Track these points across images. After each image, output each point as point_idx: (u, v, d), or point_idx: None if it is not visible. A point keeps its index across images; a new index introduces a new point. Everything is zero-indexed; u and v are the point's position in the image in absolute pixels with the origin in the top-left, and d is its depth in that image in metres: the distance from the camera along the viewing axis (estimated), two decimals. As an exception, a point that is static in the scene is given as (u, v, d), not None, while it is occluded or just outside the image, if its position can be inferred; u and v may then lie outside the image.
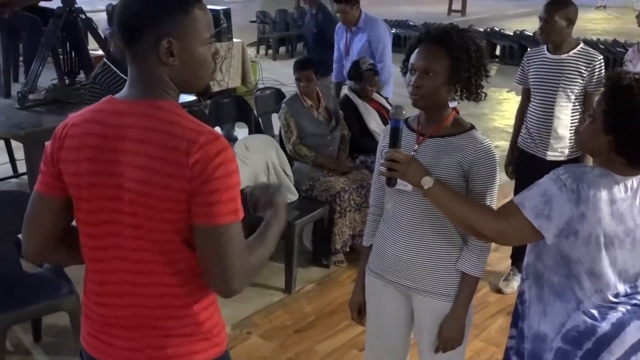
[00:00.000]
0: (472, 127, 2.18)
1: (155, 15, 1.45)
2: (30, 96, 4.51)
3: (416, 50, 2.13)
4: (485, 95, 2.18)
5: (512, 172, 4.14)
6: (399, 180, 2.06)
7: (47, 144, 1.59)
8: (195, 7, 1.48)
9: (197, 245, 1.49)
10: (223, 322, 1.68)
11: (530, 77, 3.83)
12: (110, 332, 1.59)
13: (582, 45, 3.70)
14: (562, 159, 3.71)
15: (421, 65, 2.08)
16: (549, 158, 3.74)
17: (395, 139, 2.07)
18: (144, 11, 1.45)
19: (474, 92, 2.14)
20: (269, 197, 1.72)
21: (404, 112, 2.10)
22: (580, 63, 3.63)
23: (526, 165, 3.86)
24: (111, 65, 3.37)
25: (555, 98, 3.69)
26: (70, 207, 1.59)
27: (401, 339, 2.40)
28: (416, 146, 2.17)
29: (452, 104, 2.18)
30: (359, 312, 2.46)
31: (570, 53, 3.66)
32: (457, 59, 2.06)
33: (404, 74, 2.20)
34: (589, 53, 3.65)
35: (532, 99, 3.85)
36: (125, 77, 3.28)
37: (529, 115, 3.88)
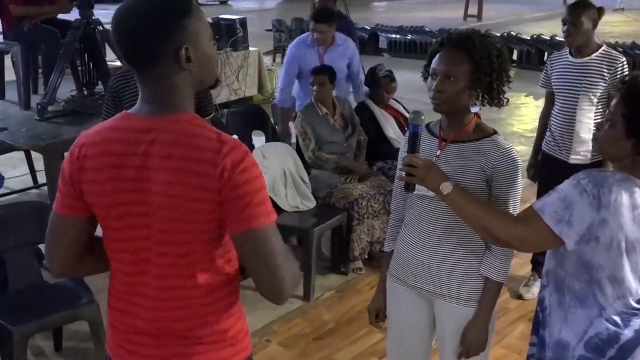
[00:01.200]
0: (495, 132, 2.17)
1: (167, 30, 1.44)
2: (50, 108, 4.57)
3: (438, 55, 2.12)
4: (508, 101, 2.17)
5: (535, 175, 4.11)
6: (419, 186, 2.06)
7: (64, 163, 1.58)
8: (194, 8, 1.49)
9: (241, 256, 1.52)
10: (247, 328, 1.69)
11: (553, 80, 3.81)
12: (135, 340, 1.61)
13: (605, 47, 3.67)
14: (585, 162, 3.68)
15: (443, 70, 2.08)
16: (572, 162, 3.71)
17: (414, 145, 2.06)
18: (155, 30, 1.44)
19: (495, 97, 2.13)
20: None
21: (422, 117, 2.09)
22: (604, 66, 3.60)
23: (549, 169, 3.84)
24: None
25: (578, 102, 3.67)
26: (92, 224, 1.60)
27: (423, 345, 2.39)
28: (439, 152, 2.16)
29: (474, 109, 2.17)
30: (377, 316, 2.46)
31: (593, 56, 3.63)
32: (479, 63, 2.05)
33: (425, 79, 2.19)
34: (612, 56, 3.62)
35: (556, 103, 3.83)
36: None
37: (552, 118, 3.86)
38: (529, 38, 12.22)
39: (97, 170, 1.51)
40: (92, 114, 4.48)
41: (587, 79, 3.62)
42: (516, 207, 2.12)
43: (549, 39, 11.71)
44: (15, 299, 3.15)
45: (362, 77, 5.21)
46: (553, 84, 3.82)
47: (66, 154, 1.62)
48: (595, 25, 3.60)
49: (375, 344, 3.57)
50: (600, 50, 3.63)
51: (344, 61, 5.13)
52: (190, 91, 1.53)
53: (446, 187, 1.97)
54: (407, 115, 4.90)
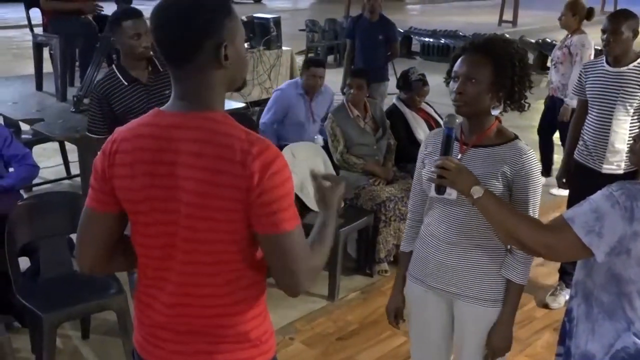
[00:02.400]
0: (516, 137, 2.19)
1: (211, 25, 1.46)
2: (85, 100, 4.64)
3: (460, 59, 2.15)
4: (529, 105, 2.19)
5: (565, 183, 4.07)
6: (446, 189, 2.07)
7: (96, 159, 1.60)
8: (233, 10, 1.52)
9: (264, 253, 1.53)
10: (272, 329, 1.71)
11: (588, 89, 3.77)
12: (160, 335, 1.63)
13: None
14: (618, 172, 3.64)
15: (464, 72, 2.10)
16: (604, 171, 3.67)
17: (447, 147, 2.08)
18: (199, 25, 1.45)
19: (517, 101, 2.14)
20: (326, 193, 1.75)
21: (457, 120, 2.11)
22: None
23: (581, 178, 3.80)
24: (117, 72, 3.39)
25: (613, 111, 3.63)
26: (122, 220, 1.62)
27: (444, 344, 2.42)
28: (460, 155, 2.17)
29: (494, 112, 2.18)
30: (395, 316, 2.48)
31: (631, 66, 3.59)
32: (501, 66, 2.08)
33: (448, 83, 2.21)
34: None
35: (589, 111, 3.78)
36: (125, 83, 3.30)
37: (586, 127, 3.81)
38: (563, 45, 12.07)
39: (128, 165, 1.52)
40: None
41: (624, 88, 3.58)
42: (535, 212, 2.14)
43: (584, 46, 11.55)
44: (46, 287, 3.22)
45: None
46: (587, 92, 3.77)
47: (96, 158, 1.64)
48: (635, 35, 3.56)
49: (398, 346, 3.57)
50: (638, 60, 3.59)
51: (325, 107, 5.21)
52: (222, 90, 1.54)
53: (477, 191, 1.97)
54: (437, 118, 4.89)
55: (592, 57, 5.46)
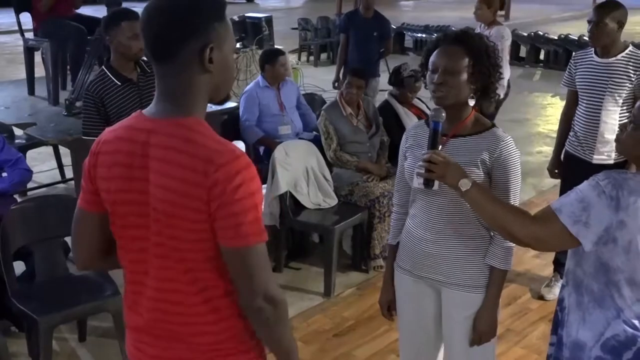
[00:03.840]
0: (493, 125, 2.23)
1: (198, 24, 1.44)
2: (77, 103, 4.65)
3: (437, 51, 2.19)
4: (499, 96, 2.25)
5: (557, 174, 4.09)
6: (418, 178, 2.12)
7: (86, 159, 1.62)
8: (225, 16, 1.51)
9: (226, 264, 1.50)
10: (256, 341, 1.63)
11: (577, 80, 3.78)
12: (142, 339, 1.64)
13: (631, 48, 3.63)
14: (608, 162, 3.65)
15: (443, 63, 2.14)
16: (595, 161, 3.69)
17: (434, 141, 2.11)
18: (187, 23, 1.44)
19: (492, 90, 2.20)
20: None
21: (443, 114, 2.13)
22: (630, 66, 3.56)
23: (572, 168, 3.82)
24: (108, 73, 3.40)
25: (602, 102, 3.64)
26: (107, 223, 1.62)
27: (434, 332, 2.44)
28: (440, 147, 2.19)
29: (470, 103, 2.23)
30: (388, 309, 2.52)
31: (619, 56, 3.59)
32: (477, 57, 2.14)
33: (423, 76, 2.26)
34: (638, 56, 3.58)
35: (579, 102, 3.80)
36: (119, 83, 3.31)
37: (576, 118, 3.83)
38: (556, 37, 12.11)
39: (107, 166, 1.53)
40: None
41: (613, 79, 3.59)
42: (516, 198, 2.18)
43: (576, 38, 11.60)
44: (41, 289, 3.23)
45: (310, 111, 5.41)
46: (577, 83, 3.79)
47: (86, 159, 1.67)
48: (620, 25, 3.56)
49: (394, 341, 3.57)
50: (627, 51, 3.60)
51: (294, 96, 5.29)
52: (204, 95, 1.51)
53: (465, 184, 1.99)
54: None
55: (509, 48, 5.62)
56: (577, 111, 3.83)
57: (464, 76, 2.13)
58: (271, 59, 5.14)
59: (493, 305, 2.27)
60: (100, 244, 1.66)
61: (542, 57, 12.35)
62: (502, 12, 18.78)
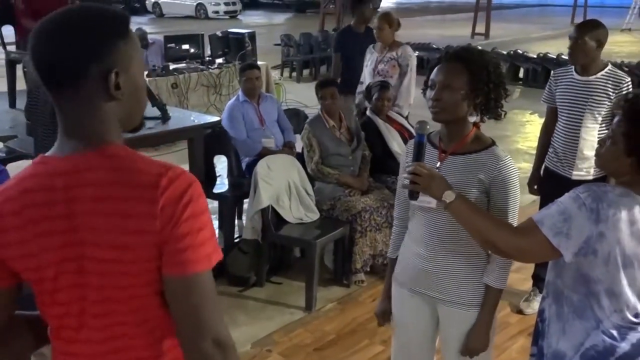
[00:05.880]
0: (493, 143, 2.22)
1: (99, 47, 1.24)
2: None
3: (436, 68, 2.19)
4: (505, 113, 2.22)
5: (536, 190, 4.14)
6: (422, 196, 2.11)
7: None
8: (130, 33, 1.31)
9: (167, 299, 1.30)
10: None
11: (557, 97, 3.83)
12: None
13: (610, 67, 3.68)
14: (588, 178, 3.69)
15: (441, 80, 2.14)
16: (574, 177, 3.73)
17: (418, 153, 2.12)
18: (85, 45, 1.23)
19: (493, 108, 2.18)
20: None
21: (428, 126, 2.15)
22: (609, 85, 3.61)
23: (551, 184, 3.86)
24: None
25: (582, 119, 3.68)
26: (10, 296, 1.38)
27: (427, 347, 2.46)
28: (439, 163, 2.20)
29: (472, 119, 2.22)
30: (383, 317, 2.53)
31: (598, 75, 3.65)
32: (476, 74, 2.12)
33: (425, 93, 2.24)
34: (617, 75, 3.64)
35: (559, 119, 3.85)
36: None
37: (555, 134, 3.88)
38: (535, 56, 12.28)
39: (18, 228, 1.28)
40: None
41: (592, 97, 3.65)
42: (514, 218, 2.18)
43: (555, 57, 11.75)
44: None
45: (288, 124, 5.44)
46: (557, 100, 3.84)
47: None
48: (599, 44, 3.62)
49: (376, 355, 3.58)
50: (606, 70, 3.65)
51: (274, 112, 5.31)
52: (115, 124, 1.31)
53: (448, 196, 2.01)
54: (411, 129, 4.94)
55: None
56: (556, 127, 3.88)
57: (461, 93, 2.11)
58: (241, 73, 5.22)
59: (486, 323, 2.26)
60: None
61: (521, 75, 12.49)
62: (483, 31, 19.13)
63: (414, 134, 2.17)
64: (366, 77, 5.68)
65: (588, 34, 3.58)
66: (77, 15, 1.26)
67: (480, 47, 2.25)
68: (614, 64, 3.93)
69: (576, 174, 3.75)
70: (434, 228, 2.23)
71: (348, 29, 6.69)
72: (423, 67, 13.34)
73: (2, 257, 1.30)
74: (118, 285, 1.29)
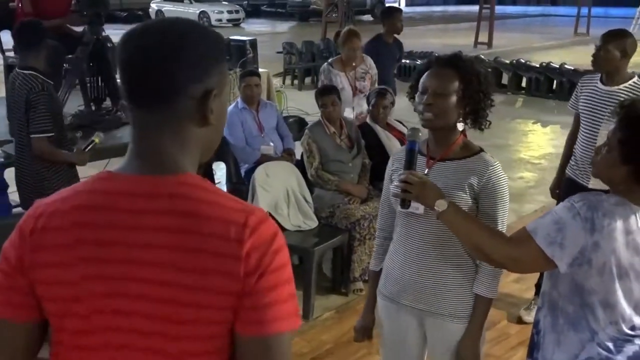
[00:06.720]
0: (481, 150, 2.21)
1: (204, 66, 1.12)
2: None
3: (427, 73, 2.17)
4: (490, 123, 2.20)
5: (557, 194, 4.12)
6: (412, 203, 2.07)
7: (8, 243, 1.15)
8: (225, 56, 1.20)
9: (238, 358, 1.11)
10: None
11: (580, 104, 3.81)
12: None
13: (636, 79, 3.62)
14: (604, 188, 3.65)
15: (433, 85, 2.11)
16: (590, 186, 3.68)
17: (410, 161, 2.09)
18: (190, 62, 1.10)
19: (481, 117, 2.16)
20: None
21: (420, 134, 2.13)
22: (631, 97, 3.56)
23: (569, 192, 3.81)
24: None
25: (600, 129, 3.63)
26: (40, 334, 1.17)
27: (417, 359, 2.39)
28: (426, 170, 2.18)
29: (459, 127, 2.21)
30: (362, 335, 2.47)
31: (622, 86, 3.59)
32: (469, 81, 2.10)
33: (411, 98, 2.23)
34: None
35: (580, 127, 3.82)
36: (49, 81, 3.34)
37: (577, 142, 3.86)
38: (538, 65, 12.25)
39: (64, 247, 1.10)
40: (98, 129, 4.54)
41: (613, 108, 3.60)
42: (503, 224, 2.16)
43: (557, 66, 11.73)
44: None
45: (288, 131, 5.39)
46: (580, 107, 3.82)
47: (5, 244, 1.16)
48: (624, 55, 3.56)
49: (373, 365, 3.55)
50: (631, 81, 3.59)
51: (273, 119, 5.26)
52: (196, 154, 1.17)
53: (441, 205, 1.98)
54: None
55: None
56: (579, 135, 3.85)
57: (453, 99, 2.10)
58: (241, 79, 5.21)
59: (476, 334, 2.22)
60: None
61: (524, 84, 12.46)
62: (486, 40, 19.14)
63: (406, 139, 2.14)
64: (346, 104, 5.39)
65: (612, 43, 3.54)
66: (180, 30, 1.13)
67: (468, 55, 2.23)
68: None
69: (592, 184, 3.71)
70: (422, 236, 2.19)
71: (378, 39, 6.64)
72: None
73: (33, 280, 1.11)
74: (169, 335, 1.08)
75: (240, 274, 1.06)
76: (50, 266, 1.10)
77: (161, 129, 1.12)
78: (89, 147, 3.75)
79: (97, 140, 3.76)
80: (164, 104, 1.10)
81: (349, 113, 5.39)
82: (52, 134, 3.57)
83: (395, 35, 6.67)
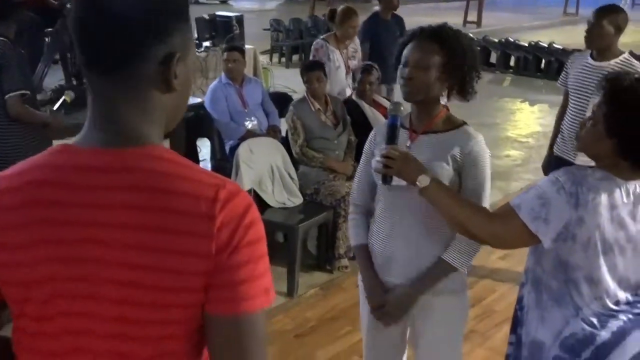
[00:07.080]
0: (464, 123, 2.17)
1: (163, 26, 1.02)
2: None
3: (410, 45, 2.11)
4: (476, 93, 2.15)
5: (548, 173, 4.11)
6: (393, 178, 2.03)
7: None
8: (189, 15, 1.11)
9: (208, 341, 1.05)
10: None
11: (570, 80, 3.80)
12: None
13: (626, 55, 3.61)
14: (592, 164, 3.63)
15: (415, 58, 2.06)
16: (578, 162, 3.67)
17: (392, 136, 2.04)
18: (148, 22, 1.01)
19: (466, 90, 2.12)
20: None
21: (402, 108, 2.08)
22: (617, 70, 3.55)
23: (556, 167, 3.81)
24: None
25: (589, 104, 3.61)
26: None
27: (399, 337, 2.35)
28: (409, 142, 2.13)
29: (443, 101, 2.16)
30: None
31: (612, 62, 3.58)
32: (452, 54, 2.05)
33: (395, 69, 2.17)
34: (631, 64, 3.56)
35: (569, 102, 3.81)
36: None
37: (565, 117, 3.85)
38: (526, 45, 12.22)
39: (19, 227, 1.02)
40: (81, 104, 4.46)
41: None
42: (486, 198, 2.11)
43: (546, 45, 11.71)
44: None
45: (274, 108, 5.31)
46: (569, 83, 3.80)
47: None
48: (618, 30, 3.55)
49: (357, 342, 3.52)
50: (621, 57, 3.59)
51: (258, 95, 5.21)
52: (161, 122, 1.08)
53: (423, 180, 1.94)
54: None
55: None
56: (567, 111, 3.84)
57: (435, 73, 2.04)
58: (222, 54, 5.14)
59: (415, 292, 2.14)
60: None
61: (512, 63, 12.44)
62: (475, 19, 19.06)
63: (388, 113, 2.09)
64: (338, 82, 5.43)
65: (606, 18, 3.53)
66: None
67: (454, 27, 2.17)
68: (632, 54, 3.82)
69: (580, 159, 3.69)
70: (403, 212, 2.14)
71: (375, 17, 6.51)
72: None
73: None
74: (142, 321, 1.02)
75: (211, 252, 0.99)
76: (4, 248, 1.03)
77: (122, 97, 1.03)
78: (59, 105, 3.66)
79: (67, 99, 3.68)
80: (123, 69, 1.01)
81: (348, 92, 5.34)
82: (27, 91, 3.50)
83: (394, 12, 6.57)
